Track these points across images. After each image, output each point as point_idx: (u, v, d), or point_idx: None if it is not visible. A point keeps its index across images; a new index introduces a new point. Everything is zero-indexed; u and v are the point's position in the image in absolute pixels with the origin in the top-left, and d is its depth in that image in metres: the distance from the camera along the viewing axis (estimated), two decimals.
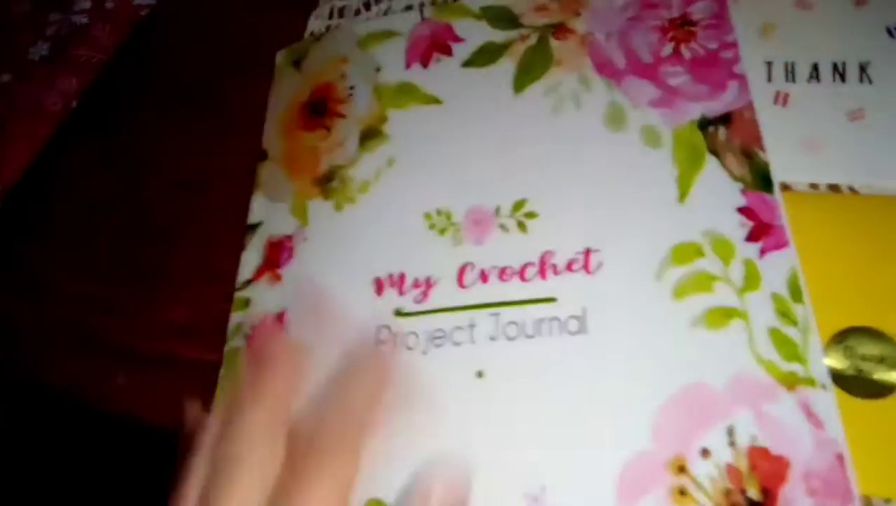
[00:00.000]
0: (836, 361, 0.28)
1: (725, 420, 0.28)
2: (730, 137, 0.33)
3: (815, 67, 0.35)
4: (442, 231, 0.34)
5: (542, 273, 0.32)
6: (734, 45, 0.36)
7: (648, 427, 0.28)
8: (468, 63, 0.38)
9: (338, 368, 0.25)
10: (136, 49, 0.50)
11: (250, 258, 0.36)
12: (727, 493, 0.27)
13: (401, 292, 0.33)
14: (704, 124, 0.34)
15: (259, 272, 0.36)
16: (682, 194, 0.32)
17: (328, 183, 0.37)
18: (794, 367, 0.28)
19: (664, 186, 0.33)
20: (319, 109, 0.39)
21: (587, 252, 0.32)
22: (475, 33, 0.39)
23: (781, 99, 0.34)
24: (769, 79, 0.35)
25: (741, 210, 0.32)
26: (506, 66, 0.37)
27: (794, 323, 0.29)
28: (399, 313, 0.32)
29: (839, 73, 0.34)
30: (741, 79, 0.35)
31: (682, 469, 0.27)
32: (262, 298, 0.35)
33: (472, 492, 0.26)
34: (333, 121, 0.38)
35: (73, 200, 0.44)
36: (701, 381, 0.29)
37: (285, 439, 0.24)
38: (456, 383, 0.30)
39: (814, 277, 0.30)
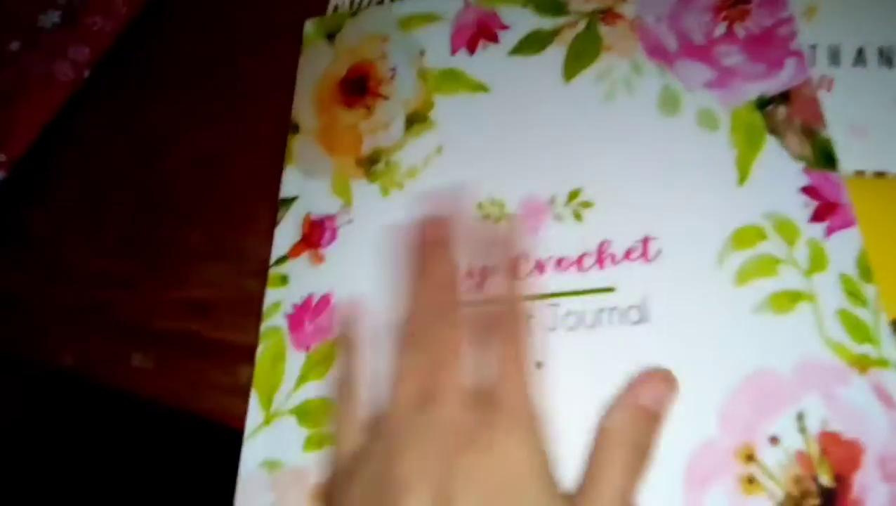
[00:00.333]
0: None
1: (794, 406, 0.27)
2: (790, 115, 0.32)
3: (861, 52, 0.34)
4: (496, 221, 0.34)
5: (599, 263, 0.31)
6: (790, 20, 0.35)
7: (715, 416, 0.28)
8: (515, 51, 0.38)
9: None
10: (153, 19, 0.49)
11: (286, 233, 0.36)
12: (798, 480, 0.26)
13: None
14: (763, 104, 0.33)
15: (297, 249, 0.35)
16: (742, 176, 0.32)
17: (373, 165, 0.37)
18: (866, 349, 0.27)
19: (723, 169, 0.32)
20: (359, 88, 0.39)
21: (645, 240, 0.31)
22: (521, 20, 0.38)
23: (826, 84, 0.34)
24: (813, 63, 0.34)
25: (804, 190, 0.31)
26: (554, 54, 0.37)
27: (865, 304, 0.28)
28: None
29: (885, 57, 0.33)
30: (799, 55, 0.34)
31: (750, 457, 0.27)
32: (303, 278, 0.34)
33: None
34: (376, 101, 0.38)
35: (84, 173, 0.43)
36: (767, 367, 0.28)
37: None
38: None
39: None
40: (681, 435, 0.28)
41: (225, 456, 0.33)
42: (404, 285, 0.29)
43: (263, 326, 0.33)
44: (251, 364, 0.34)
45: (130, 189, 0.42)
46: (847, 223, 0.30)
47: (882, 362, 0.27)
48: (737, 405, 0.28)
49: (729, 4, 0.35)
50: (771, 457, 0.27)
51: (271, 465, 0.30)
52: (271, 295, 0.34)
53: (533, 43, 0.37)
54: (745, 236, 0.30)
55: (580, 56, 0.36)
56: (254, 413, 0.32)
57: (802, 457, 0.27)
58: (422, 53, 0.39)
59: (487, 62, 0.38)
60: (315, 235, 0.35)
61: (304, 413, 0.31)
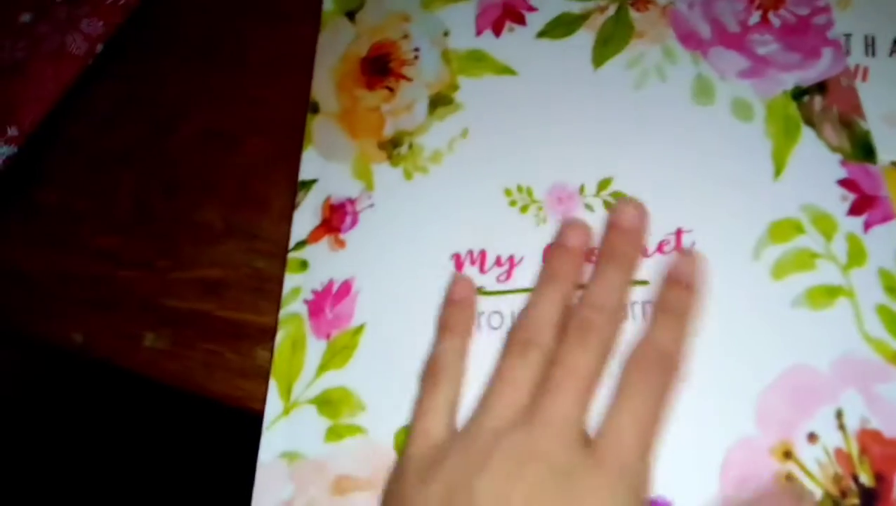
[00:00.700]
0: None
1: (833, 403, 0.27)
2: (826, 106, 0.32)
3: None
4: (524, 208, 0.33)
5: None
6: (826, 9, 0.34)
7: (752, 413, 0.27)
8: (543, 34, 0.37)
9: None
10: None
11: (305, 218, 0.35)
12: (837, 479, 0.26)
13: (482, 270, 0.32)
14: (799, 94, 0.32)
15: (316, 234, 0.34)
16: (778, 169, 0.31)
17: (395, 148, 0.35)
18: None
19: (758, 161, 0.31)
20: (381, 68, 0.38)
21: (679, 232, 0.31)
22: (549, 3, 0.37)
23: (861, 73, 0.33)
24: (848, 52, 0.34)
25: (842, 182, 0.30)
26: (583, 39, 0.36)
27: None
28: (482, 292, 0.31)
29: None
30: (836, 45, 0.33)
31: (788, 455, 0.26)
32: (323, 263, 0.33)
33: None
34: (399, 83, 0.37)
35: (96, 148, 0.42)
36: (805, 363, 0.28)
37: None
38: None
39: None
40: (717, 432, 0.27)
41: (240, 440, 0.33)
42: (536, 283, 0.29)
43: (282, 313, 0.32)
44: (266, 346, 0.33)
45: (142, 165, 0.41)
46: (886, 217, 0.29)
47: None
48: (774, 402, 0.27)
49: None
50: (809, 455, 0.26)
51: (291, 456, 0.30)
52: (290, 280, 0.33)
53: (561, 26, 0.36)
54: (782, 230, 0.30)
55: (609, 41, 0.35)
56: (273, 403, 0.31)
57: (842, 455, 0.26)
58: (445, 34, 0.38)
59: (514, 45, 0.37)
60: (336, 219, 0.34)
61: (324, 403, 0.30)
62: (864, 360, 0.27)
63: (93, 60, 0.45)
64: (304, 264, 0.33)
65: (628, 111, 0.34)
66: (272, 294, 0.34)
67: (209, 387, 0.34)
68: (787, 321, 0.28)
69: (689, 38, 0.35)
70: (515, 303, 0.31)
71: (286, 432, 0.30)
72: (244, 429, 0.32)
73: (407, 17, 0.39)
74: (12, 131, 0.41)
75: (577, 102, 0.35)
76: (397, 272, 0.32)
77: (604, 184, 0.32)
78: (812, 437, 0.26)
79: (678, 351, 0.27)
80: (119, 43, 0.46)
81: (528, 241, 0.32)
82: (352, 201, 0.34)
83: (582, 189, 0.32)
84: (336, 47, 0.39)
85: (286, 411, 0.30)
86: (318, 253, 0.33)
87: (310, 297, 0.32)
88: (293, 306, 0.32)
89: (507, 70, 0.36)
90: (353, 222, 0.34)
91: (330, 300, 0.32)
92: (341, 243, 0.33)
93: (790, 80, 0.33)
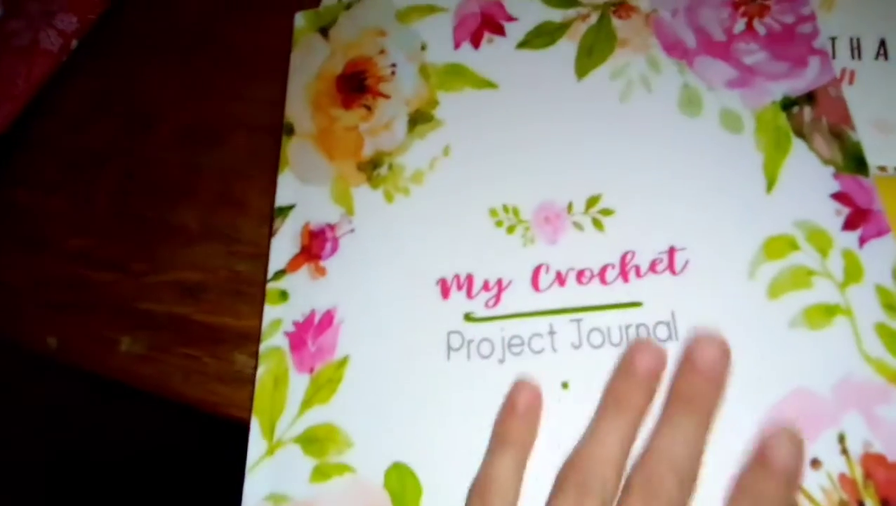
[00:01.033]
0: None
1: (835, 427, 0.26)
2: (816, 117, 0.31)
3: (883, 44, 0.33)
4: (510, 229, 0.31)
5: (623, 275, 0.30)
6: (811, 17, 0.33)
7: (752, 438, 0.26)
8: (523, 44, 0.36)
9: None
10: None
11: (283, 245, 0.33)
12: (842, 505, 0.25)
13: (470, 295, 0.31)
14: (788, 105, 0.31)
15: (296, 262, 0.33)
16: (770, 182, 0.30)
17: (375, 169, 0.34)
18: None
19: (749, 174, 0.30)
20: (357, 86, 0.36)
21: (671, 251, 0.30)
22: (529, 12, 0.36)
23: (847, 77, 0.33)
24: (833, 55, 0.33)
25: (835, 196, 0.30)
26: (565, 48, 0.35)
27: None
28: (469, 318, 0.30)
29: None
30: (822, 54, 0.32)
31: None
32: (303, 293, 0.32)
33: None
34: (376, 100, 0.36)
35: (71, 148, 0.42)
36: (804, 386, 0.27)
37: None
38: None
39: None
40: (719, 458, 0.26)
41: (219, 446, 0.32)
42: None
43: (263, 347, 0.31)
44: (245, 351, 0.33)
45: (117, 165, 0.40)
46: (881, 231, 0.29)
47: None
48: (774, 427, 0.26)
49: (748, 0, 0.34)
50: (813, 482, 0.26)
51: (276, 499, 0.28)
52: (270, 312, 0.32)
53: (542, 36, 0.35)
54: (777, 246, 0.29)
55: (593, 52, 0.34)
56: (255, 443, 0.29)
57: (846, 480, 0.25)
58: (423, 48, 0.36)
59: (494, 56, 0.35)
60: (315, 246, 0.33)
61: (309, 441, 0.29)
62: (865, 381, 0.27)
63: (67, 57, 0.43)
64: (283, 295, 0.32)
65: (614, 123, 0.33)
66: (252, 298, 0.34)
67: (186, 392, 0.34)
68: (786, 343, 0.28)
69: (675, 47, 0.34)
70: (506, 329, 0.30)
71: (270, 474, 0.29)
72: (223, 434, 0.31)
73: (382, 32, 0.37)
74: None
75: (561, 116, 0.34)
76: (381, 300, 0.31)
77: (592, 201, 0.31)
78: (815, 463, 0.26)
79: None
80: (93, 39, 0.45)
81: (517, 263, 0.31)
82: (331, 227, 0.33)
83: (570, 207, 0.31)
84: (309, 66, 0.37)
85: (270, 452, 0.29)
86: (298, 282, 0.32)
87: (291, 329, 0.31)
88: (274, 340, 0.31)
89: (487, 83, 0.35)
90: (334, 249, 0.32)
91: (312, 332, 0.31)
92: (322, 271, 0.32)
93: (778, 90, 0.32)
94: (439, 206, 0.33)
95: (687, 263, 0.29)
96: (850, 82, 0.33)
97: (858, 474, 0.25)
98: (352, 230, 0.33)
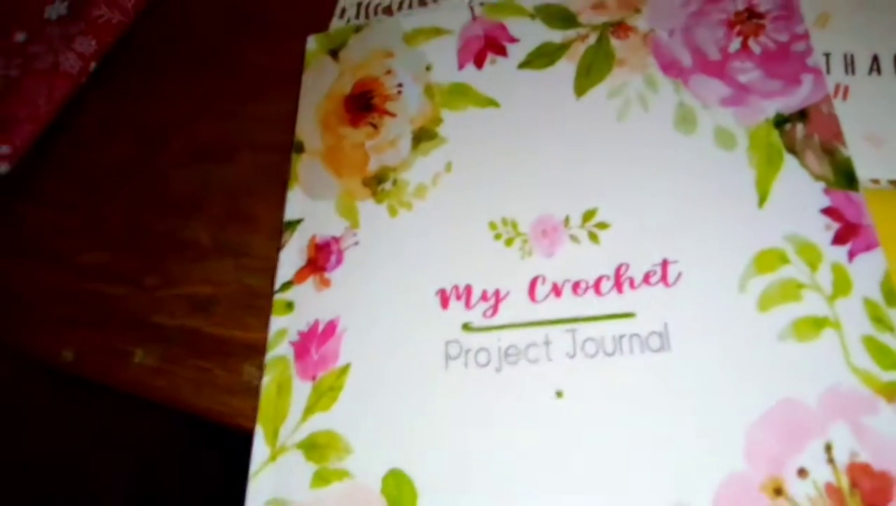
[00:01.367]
0: None
1: (822, 437, 0.27)
2: (808, 133, 0.32)
3: (876, 59, 0.34)
4: (509, 242, 0.32)
5: (618, 287, 0.30)
6: (805, 36, 0.34)
7: (740, 448, 0.27)
8: (525, 64, 0.37)
9: None
10: (159, 12, 0.48)
11: (290, 258, 0.35)
12: None
13: (468, 306, 0.32)
14: (780, 122, 0.32)
15: (302, 274, 0.34)
16: (762, 198, 0.31)
17: (379, 185, 0.35)
18: (894, 376, 0.27)
19: (742, 190, 0.31)
20: (364, 105, 0.38)
21: (664, 263, 0.30)
22: (530, 33, 0.37)
23: (841, 92, 0.33)
24: (827, 71, 0.34)
25: (825, 211, 0.30)
26: (565, 68, 0.36)
27: (891, 329, 0.28)
28: (467, 328, 0.31)
29: None
30: (816, 72, 0.33)
31: (778, 491, 0.26)
32: (309, 303, 0.33)
33: None
34: (382, 119, 0.37)
35: (87, 166, 0.43)
36: (793, 396, 0.27)
37: None
38: (534, 402, 0.29)
39: None
40: (706, 468, 0.27)
41: (227, 455, 0.32)
42: None
43: (268, 357, 0.32)
44: (254, 363, 0.33)
45: (131, 182, 0.42)
46: (870, 245, 0.29)
47: None
48: (763, 437, 0.27)
49: (743, 19, 0.35)
50: (800, 491, 0.26)
51: (277, 504, 0.29)
52: (276, 323, 0.33)
53: (542, 57, 0.36)
54: (767, 260, 0.30)
55: (591, 71, 0.35)
56: (259, 449, 0.30)
57: (832, 490, 0.26)
58: (428, 68, 0.38)
59: (496, 76, 0.37)
60: (321, 258, 0.34)
61: (311, 448, 0.30)
62: (852, 392, 0.27)
63: (86, 79, 0.45)
64: (289, 306, 0.33)
65: (612, 140, 0.34)
66: (261, 311, 0.34)
67: (197, 404, 0.34)
68: (775, 354, 0.28)
69: (671, 66, 0.35)
70: (502, 339, 0.31)
71: (272, 480, 0.30)
72: (231, 443, 0.32)
73: (390, 53, 0.39)
74: (4, 150, 0.41)
75: (560, 133, 0.34)
76: (382, 310, 0.32)
77: (588, 215, 0.32)
78: (802, 472, 0.26)
79: None
80: (110, 61, 0.46)
81: (514, 274, 0.32)
82: (336, 240, 0.34)
83: (567, 221, 0.32)
84: (320, 86, 0.39)
85: (273, 457, 0.30)
86: (303, 293, 0.33)
87: (296, 338, 0.32)
88: (279, 350, 0.32)
89: (489, 102, 0.36)
90: (339, 261, 0.34)
91: (315, 341, 0.32)
92: (326, 283, 0.33)
93: (771, 107, 0.33)
94: (441, 219, 0.34)
95: (680, 275, 0.30)
96: (844, 97, 0.34)
97: (845, 483, 0.26)
98: (356, 243, 0.34)
